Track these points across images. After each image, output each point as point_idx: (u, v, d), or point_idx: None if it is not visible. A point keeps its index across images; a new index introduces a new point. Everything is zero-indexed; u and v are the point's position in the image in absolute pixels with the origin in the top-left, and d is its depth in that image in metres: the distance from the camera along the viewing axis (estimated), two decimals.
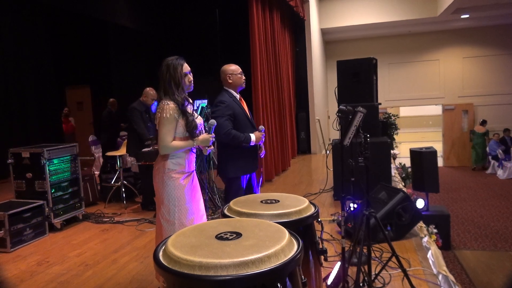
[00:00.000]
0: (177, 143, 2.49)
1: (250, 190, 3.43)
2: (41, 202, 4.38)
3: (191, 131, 2.51)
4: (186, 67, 2.54)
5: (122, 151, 5.87)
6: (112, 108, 7.30)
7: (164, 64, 2.51)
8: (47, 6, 8.24)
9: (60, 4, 7.32)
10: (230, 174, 3.28)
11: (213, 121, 2.63)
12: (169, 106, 2.45)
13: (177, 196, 2.50)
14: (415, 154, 5.94)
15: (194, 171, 2.68)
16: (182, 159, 2.54)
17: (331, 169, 5.26)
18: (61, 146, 4.71)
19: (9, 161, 4.52)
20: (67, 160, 4.74)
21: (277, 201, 2.18)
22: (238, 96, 3.36)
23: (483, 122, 13.41)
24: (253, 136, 3.23)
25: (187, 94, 2.59)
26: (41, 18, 8.62)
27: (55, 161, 4.58)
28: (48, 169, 4.47)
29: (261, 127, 3.28)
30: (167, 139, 2.47)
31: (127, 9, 8.68)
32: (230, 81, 3.33)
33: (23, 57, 8.25)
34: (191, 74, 2.58)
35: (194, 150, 2.64)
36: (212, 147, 2.62)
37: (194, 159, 2.65)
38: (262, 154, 3.41)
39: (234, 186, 3.28)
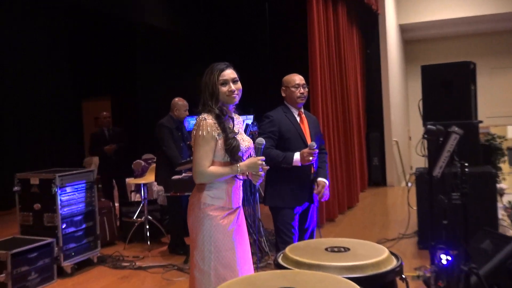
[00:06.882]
0: (216, 169, 2.49)
1: (303, 230, 3.42)
2: (49, 239, 4.55)
3: (231, 152, 2.50)
4: (226, 74, 2.55)
5: (148, 178, 6.03)
6: (103, 126, 7.06)
7: (206, 70, 2.61)
8: (62, 2, 8.67)
9: (78, 1, 7.73)
10: (268, 202, 3.37)
11: (261, 140, 2.58)
12: (206, 122, 2.48)
13: (214, 239, 2.49)
14: None
15: (241, 208, 2.67)
16: (223, 191, 2.54)
17: (415, 208, 5.17)
18: (75, 172, 4.92)
19: (16, 188, 4.77)
20: (82, 189, 4.93)
21: (347, 249, 2.15)
22: (296, 112, 3.43)
23: None
24: (296, 155, 3.21)
25: (229, 108, 2.62)
26: (56, 19, 9.16)
27: (68, 189, 4.77)
28: (60, 199, 4.66)
29: (312, 143, 3.20)
30: (204, 163, 2.47)
31: (157, 6, 9.03)
32: (283, 94, 3.44)
33: (36, 65, 8.77)
34: (236, 83, 2.58)
35: (241, 179, 2.62)
36: (263, 174, 2.55)
37: (240, 192, 2.64)
38: (325, 197, 3.39)
39: (278, 219, 3.33)
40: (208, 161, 2.49)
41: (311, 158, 3.17)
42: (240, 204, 2.66)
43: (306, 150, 3.20)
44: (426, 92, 5.25)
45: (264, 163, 2.52)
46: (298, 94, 3.37)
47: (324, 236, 5.24)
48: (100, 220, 5.43)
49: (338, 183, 7.06)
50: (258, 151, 2.56)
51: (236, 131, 2.59)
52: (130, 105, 9.82)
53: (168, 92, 8.61)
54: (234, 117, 2.68)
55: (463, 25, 12.47)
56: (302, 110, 3.51)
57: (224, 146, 2.51)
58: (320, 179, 3.41)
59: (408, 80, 13.79)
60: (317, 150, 3.19)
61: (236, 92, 2.57)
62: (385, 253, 2.08)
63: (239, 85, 2.59)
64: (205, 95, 2.57)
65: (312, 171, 3.41)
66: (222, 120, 2.54)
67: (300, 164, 3.21)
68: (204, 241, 2.50)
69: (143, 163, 7.72)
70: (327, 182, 3.42)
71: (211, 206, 2.51)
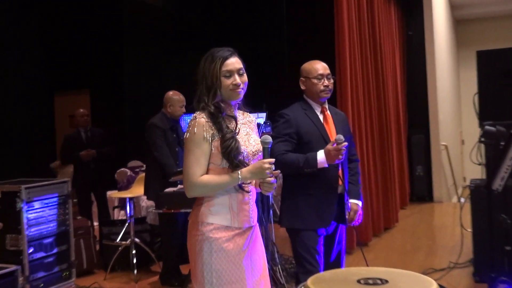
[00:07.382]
0: (210, 178, 2.49)
1: (329, 255, 3.42)
2: (13, 267, 4.53)
3: (228, 156, 2.47)
4: (231, 64, 2.54)
5: (135, 191, 6.03)
6: (80, 126, 7.12)
7: (203, 58, 2.59)
8: None
9: None
10: (284, 222, 3.39)
11: (267, 138, 2.52)
12: (197, 121, 2.49)
13: (216, 268, 2.48)
14: None
15: (255, 227, 2.65)
16: (225, 207, 2.53)
17: (469, 230, 5.15)
18: (45, 183, 4.92)
19: None
20: (53, 204, 4.93)
21: (384, 281, 2.14)
22: (318, 108, 3.42)
23: None
24: (320, 154, 3.16)
25: (232, 103, 2.62)
26: None
27: (37, 204, 4.78)
28: (26, 217, 4.67)
29: (339, 136, 3.10)
30: (193, 171, 2.47)
31: None
32: (303, 87, 3.43)
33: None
34: (242, 75, 2.57)
35: (250, 191, 2.59)
36: (273, 180, 2.48)
37: (251, 208, 2.60)
38: (357, 221, 3.39)
39: (298, 243, 3.32)
40: (199, 169, 2.48)
41: (340, 156, 3.11)
42: (254, 223, 2.63)
43: (330, 146, 3.10)
44: (483, 84, 5.25)
45: (273, 166, 2.44)
46: (322, 87, 3.34)
47: (355, 264, 5.22)
48: (76, 243, 5.43)
49: (372, 198, 7.04)
50: (265, 151, 2.49)
51: (237, 131, 2.56)
52: (114, 101, 9.83)
53: (161, 85, 8.62)
54: (240, 115, 2.68)
55: None
56: (327, 106, 3.49)
57: (220, 149, 2.48)
58: (352, 201, 3.41)
59: (460, 69, 13.74)
60: (346, 143, 3.10)
61: (241, 86, 2.55)
62: (433, 287, 2.06)
63: (245, 77, 2.58)
64: (202, 89, 2.56)
65: (340, 182, 3.38)
66: (218, 118, 2.52)
67: (327, 165, 3.17)
68: (203, 271, 2.48)
69: (129, 172, 7.73)
70: (360, 204, 3.41)
71: (211, 225, 2.50)
